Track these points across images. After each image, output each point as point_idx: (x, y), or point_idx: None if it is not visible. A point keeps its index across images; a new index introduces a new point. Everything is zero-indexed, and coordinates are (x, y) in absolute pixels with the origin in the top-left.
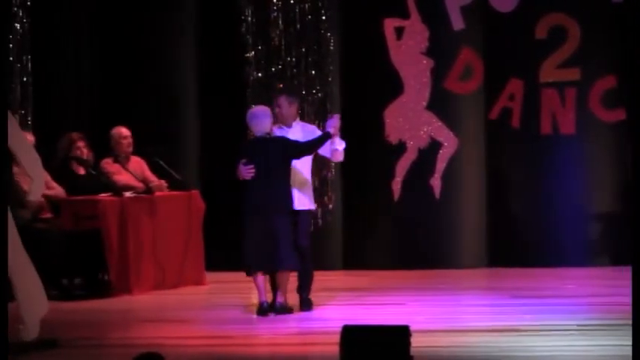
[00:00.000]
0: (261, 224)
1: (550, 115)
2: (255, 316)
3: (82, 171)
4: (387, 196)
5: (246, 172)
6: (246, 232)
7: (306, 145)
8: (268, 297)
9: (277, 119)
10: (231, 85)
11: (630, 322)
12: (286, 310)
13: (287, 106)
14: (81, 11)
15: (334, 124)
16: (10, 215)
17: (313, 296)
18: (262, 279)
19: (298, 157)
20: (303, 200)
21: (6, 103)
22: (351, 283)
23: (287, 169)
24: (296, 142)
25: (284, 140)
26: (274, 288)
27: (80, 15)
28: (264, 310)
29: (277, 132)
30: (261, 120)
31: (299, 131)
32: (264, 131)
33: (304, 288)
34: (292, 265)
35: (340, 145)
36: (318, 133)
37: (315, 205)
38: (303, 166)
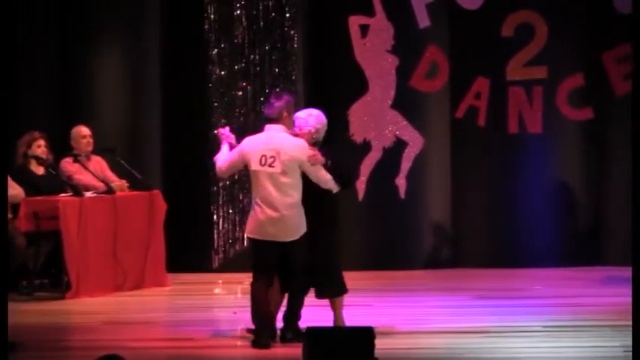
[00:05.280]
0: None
1: (517, 114)
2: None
3: (41, 171)
4: (351, 196)
5: None
6: (338, 246)
7: None
8: None
9: (290, 126)
10: (193, 84)
11: (595, 323)
12: None
13: None
14: (41, 9)
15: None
16: None
17: None
18: None
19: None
20: None
21: (6, 103)
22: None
23: None
24: None
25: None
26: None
27: (39, 13)
28: None
29: None
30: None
31: None
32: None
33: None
34: None
35: None
36: None
37: None
38: None
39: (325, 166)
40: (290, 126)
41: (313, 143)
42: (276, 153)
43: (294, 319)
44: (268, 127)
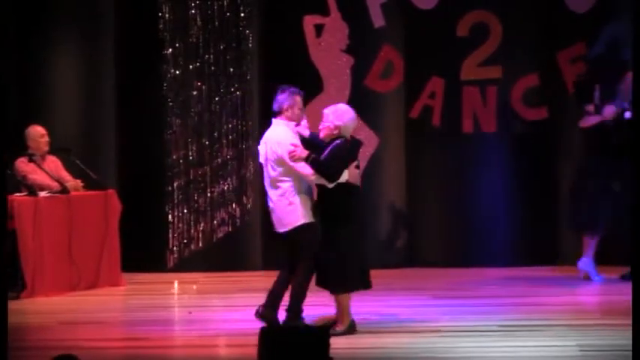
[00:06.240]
0: (362, 235)
1: (471, 114)
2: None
3: None
4: None
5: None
6: (351, 243)
7: None
8: None
9: (296, 119)
10: (148, 83)
11: (550, 323)
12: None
13: None
14: None
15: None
16: None
17: (235, 297)
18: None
19: None
20: None
21: (7, 105)
22: (270, 283)
23: None
24: None
25: None
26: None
27: None
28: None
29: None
30: None
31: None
32: None
33: None
34: None
35: None
36: None
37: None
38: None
39: (307, 160)
40: (294, 118)
41: (336, 138)
42: (266, 147)
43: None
44: (273, 120)
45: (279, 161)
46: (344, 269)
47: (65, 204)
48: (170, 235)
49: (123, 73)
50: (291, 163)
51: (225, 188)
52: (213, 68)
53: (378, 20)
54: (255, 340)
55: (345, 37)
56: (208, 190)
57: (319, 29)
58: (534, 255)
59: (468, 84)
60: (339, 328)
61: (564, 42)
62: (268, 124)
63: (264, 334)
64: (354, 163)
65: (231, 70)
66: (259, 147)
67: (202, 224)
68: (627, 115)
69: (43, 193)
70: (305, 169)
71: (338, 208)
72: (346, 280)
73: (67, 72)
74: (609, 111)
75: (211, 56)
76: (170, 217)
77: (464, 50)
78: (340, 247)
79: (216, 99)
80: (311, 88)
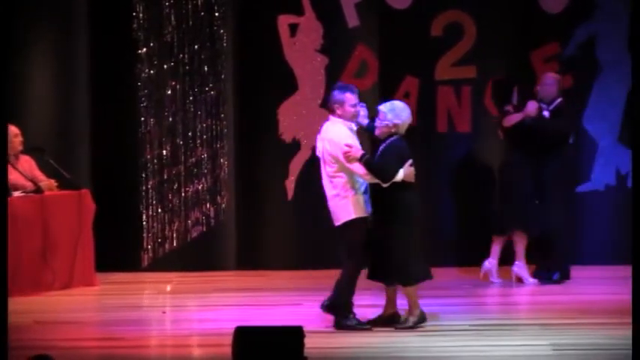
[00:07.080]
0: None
1: (446, 113)
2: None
3: None
4: (280, 196)
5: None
6: (410, 242)
7: None
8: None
9: (348, 116)
10: (122, 83)
11: (523, 322)
12: None
13: None
14: None
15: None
16: None
17: (209, 297)
18: None
19: None
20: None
21: (7, 106)
22: (244, 283)
23: None
24: None
25: None
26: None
27: None
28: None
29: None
30: None
31: None
32: None
33: None
34: None
35: None
36: None
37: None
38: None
39: (360, 161)
40: (346, 116)
41: (392, 135)
42: (322, 143)
43: (340, 304)
44: (330, 117)
45: (334, 159)
46: (407, 262)
47: (39, 204)
48: (144, 235)
49: (97, 73)
50: (347, 164)
51: (200, 188)
52: (187, 68)
53: (353, 20)
54: (229, 339)
55: (319, 36)
56: (182, 190)
57: (294, 29)
58: (508, 255)
59: (442, 84)
60: (412, 318)
61: (538, 42)
62: (243, 124)
63: (238, 333)
64: (409, 161)
65: (206, 69)
66: (317, 142)
67: (176, 224)
68: (545, 114)
69: (16, 193)
70: (359, 168)
71: (393, 206)
72: (410, 272)
73: (41, 71)
74: (532, 106)
75: (186, 56)
76: (144, 216)
77: (438, 50)
78: (399, 241)
79: (191, 98)
80: (285, 87)
